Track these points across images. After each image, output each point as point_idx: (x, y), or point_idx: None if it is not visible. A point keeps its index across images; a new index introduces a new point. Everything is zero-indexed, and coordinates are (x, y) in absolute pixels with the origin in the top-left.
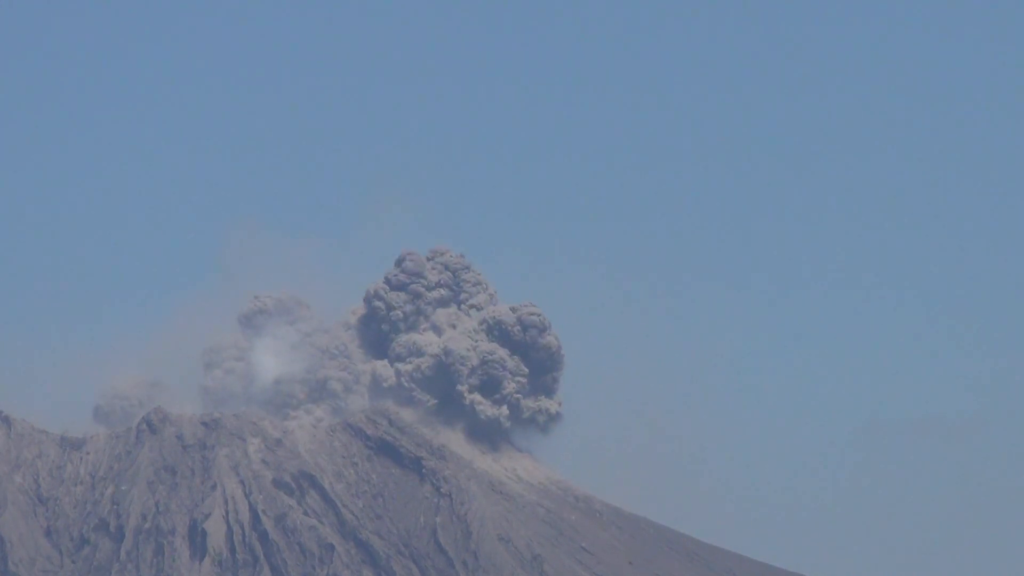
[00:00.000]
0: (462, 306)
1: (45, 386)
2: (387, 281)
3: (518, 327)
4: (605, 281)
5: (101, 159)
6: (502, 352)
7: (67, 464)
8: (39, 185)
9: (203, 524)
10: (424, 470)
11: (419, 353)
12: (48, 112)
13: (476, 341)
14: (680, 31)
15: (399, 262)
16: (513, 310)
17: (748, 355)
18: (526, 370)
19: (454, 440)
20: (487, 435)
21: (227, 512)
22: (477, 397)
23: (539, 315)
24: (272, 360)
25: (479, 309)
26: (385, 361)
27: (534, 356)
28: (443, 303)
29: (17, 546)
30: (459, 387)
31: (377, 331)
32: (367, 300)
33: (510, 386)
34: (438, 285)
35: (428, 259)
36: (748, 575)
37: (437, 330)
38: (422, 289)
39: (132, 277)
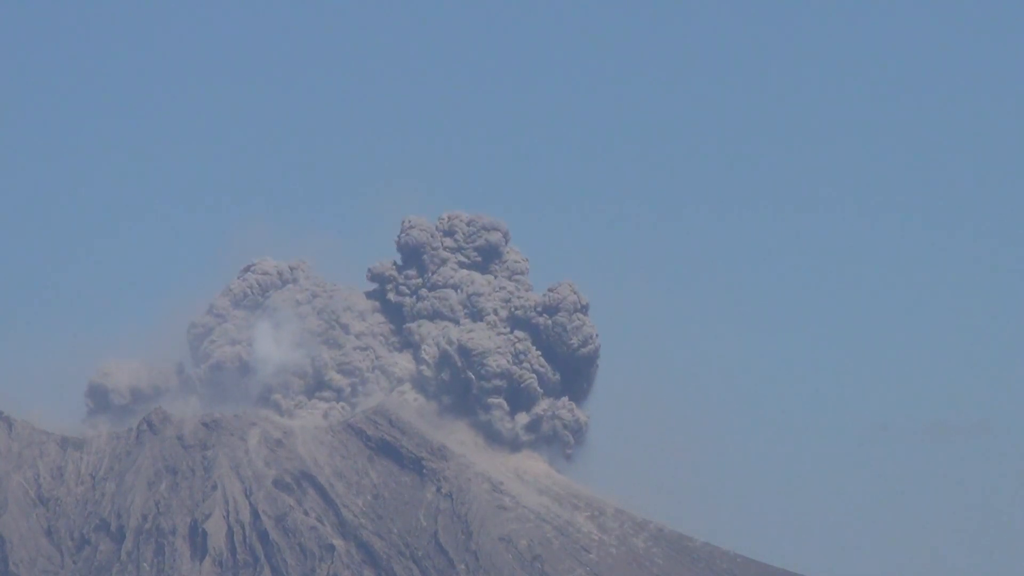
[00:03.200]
0: (492, 284)
1: (45, 386)
2: (395, 261)
3: (545, 317)
4: (605, 279)
5: (103, 161)
6: (527, 345)
7: (67, 464)
8: (39, 187)
9: (204, 524)
10: (425, 470)
11: (430, 345)
12: (44, 115)
13: (501, 334)
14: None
15: (398, 239)
16: (547, 292)
17: (754, 357)
18: (562, 387)
19: (464, 435)
20: (500, 439)
21: (227, 512)
22: (500, 403)
23: (575, 293)
24: (273, 347)
25: (508, 300)
26: (399, 354)
27: (567, 360)
28: (462, 281)
29: (17, 546)
30: (476, 399)
31: (391, 311)
32: (374, 280)
33: (542, 405)
34: (460, 266)
35: (445, 230)
36: None
37: (451, 315)
38: (433, 266)
39: (137, 277)
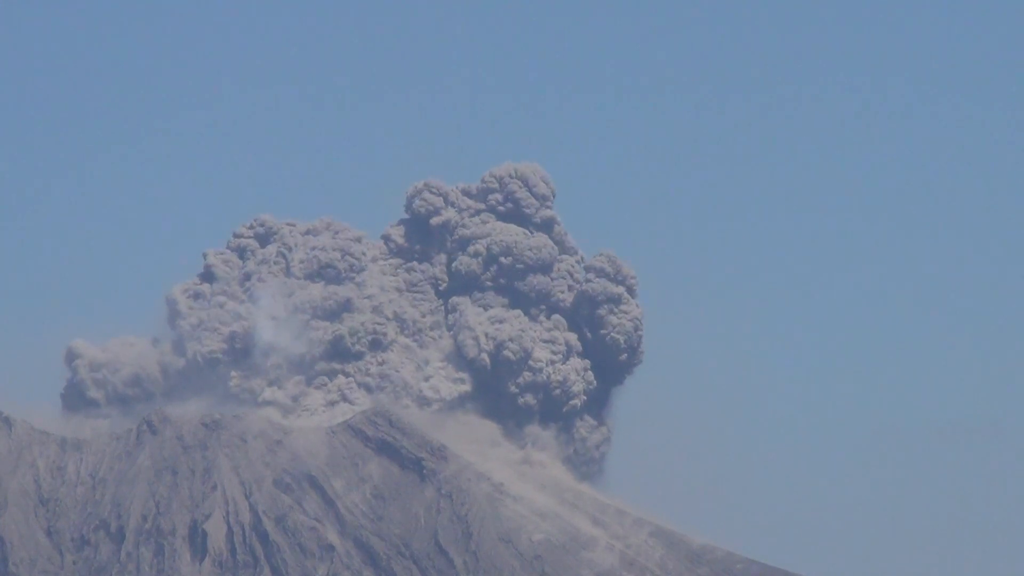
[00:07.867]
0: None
1: (45, 386)
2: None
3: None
4: None
5: (105, 164)
6: (569, 337)
7: (67, 464)
8: (40, 189)
9: (203, 525)
10: (425, 471)
11: (449, 340)
12: (34, 105)
13: (539, 322)
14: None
15: (407, 206)
16: (587, 272)
17: (760, 356)
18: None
19: (481, 429)
20: (520, 441)
21: (227, 513)
22: (534, 420)
23: (606, 280)
24: (270, 328)
25: (555, 295)
26: (419, 337)
27: (602, 352)
28: (489, 242)
29: (17, 546)
30: (505, 407)
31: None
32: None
33: (580, 429)
34: (483, 223)
35: (455, 203)
36: None
37: (474, 287)
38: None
39: (141, 278)
